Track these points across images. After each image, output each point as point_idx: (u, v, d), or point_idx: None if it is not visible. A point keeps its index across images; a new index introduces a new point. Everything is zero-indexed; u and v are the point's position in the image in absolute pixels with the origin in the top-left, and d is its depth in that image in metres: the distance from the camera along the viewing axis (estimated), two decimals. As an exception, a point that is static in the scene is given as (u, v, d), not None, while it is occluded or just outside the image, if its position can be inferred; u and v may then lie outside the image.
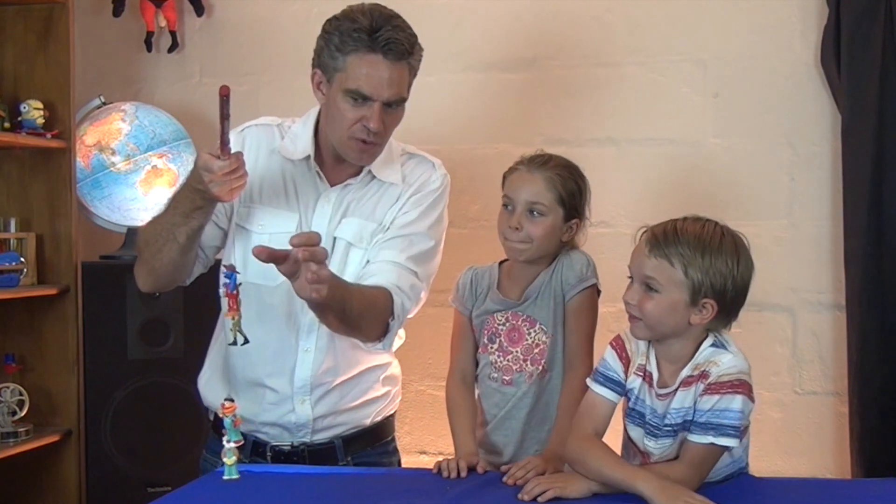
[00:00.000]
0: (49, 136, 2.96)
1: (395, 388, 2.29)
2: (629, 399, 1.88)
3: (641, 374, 1.86)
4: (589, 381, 1.91)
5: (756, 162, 3.06)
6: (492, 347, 2.13)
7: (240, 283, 1.88)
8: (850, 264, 2.91)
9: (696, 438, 1.76)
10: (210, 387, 2.21)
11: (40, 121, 2.95)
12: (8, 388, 2.91)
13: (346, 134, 2.06)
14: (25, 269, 2.93)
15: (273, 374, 2.12)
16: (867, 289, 2.87)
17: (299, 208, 2.14)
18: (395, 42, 2.01)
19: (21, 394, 2.92)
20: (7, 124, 2.90)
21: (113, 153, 3.06)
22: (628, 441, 1.92)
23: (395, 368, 2.29)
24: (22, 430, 2.89)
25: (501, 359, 2.11)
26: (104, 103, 3.21)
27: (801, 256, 3.04)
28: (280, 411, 2.13)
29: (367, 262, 2.12)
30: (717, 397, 1.75)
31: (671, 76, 3.11)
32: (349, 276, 2.08)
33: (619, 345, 1.90)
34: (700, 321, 1.80)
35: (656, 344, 1.86)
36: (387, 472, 2.16)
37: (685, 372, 1.81)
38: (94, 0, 3.44)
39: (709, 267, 1.77)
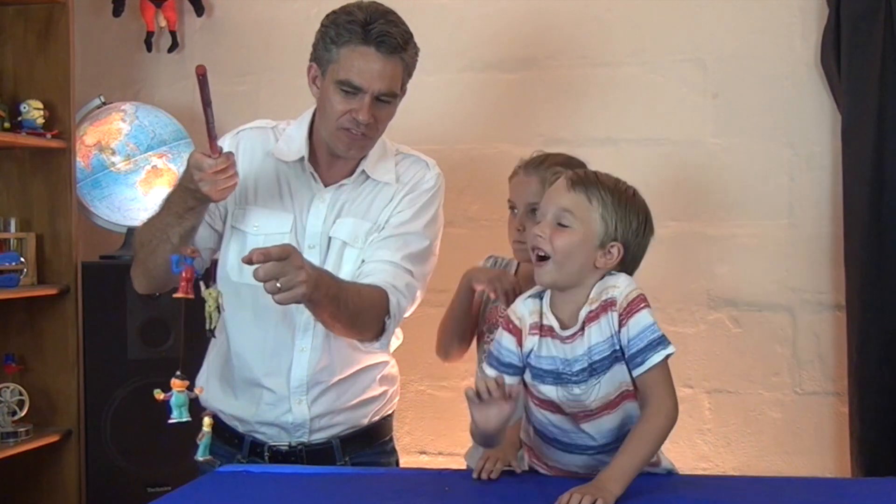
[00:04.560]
0: (49, 136, 2.96)
1: (393, 388, 2.29)
2: (531, 366, 1.82)
3: (537, 331, 1.82)
4: (484, 367, 1.87)
5: (756, 162, 3.06)
6: (489, 338, 2.14)
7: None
8: (850, 264, 2.91)
9: (651, 361, 1.73)
10: (208, 387, 2.20)
11: (40, 121, 2.95)
12: (8, 388, 2.91)
13: (335, 125, 2.07)
14: (25, 269, 2.94)
15: (270, 374, 2.13)
16: (867, 289, 2.87)
17: (294, 209, 2.14)
18: (387, 35, 2.03)
19: (21, 394, 2.92)
20: (7, 124, 2.91)
21: (113, 153, 3.06)
22: (541, 418, 1.84)
23: (392, 368, 2.29)
24: (22, 430, 2.89)
25: None
26: (104, 103, 3.22)
27: (801, 256, 3.04)
28: (277, 411, 2.13)
29: (363, 261, 2.13)
30: (638, 316, 1.74)
31: (671, 76, 3.11)
32: (345, 276, 2.08)
33: (506, 321, 1.86)
34: (604, 264, 1.78)
35: (554, 295, 1.82)
36: (386, 472, 2.16)
37: (585, 311, 1.78)
38: (94, 0, 3.44)
39: (623, 215, 1.79)
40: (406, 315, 2.16)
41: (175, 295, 1.79)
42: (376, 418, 2.23)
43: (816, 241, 3.03)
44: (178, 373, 1.83)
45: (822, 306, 3.03)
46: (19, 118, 2.93)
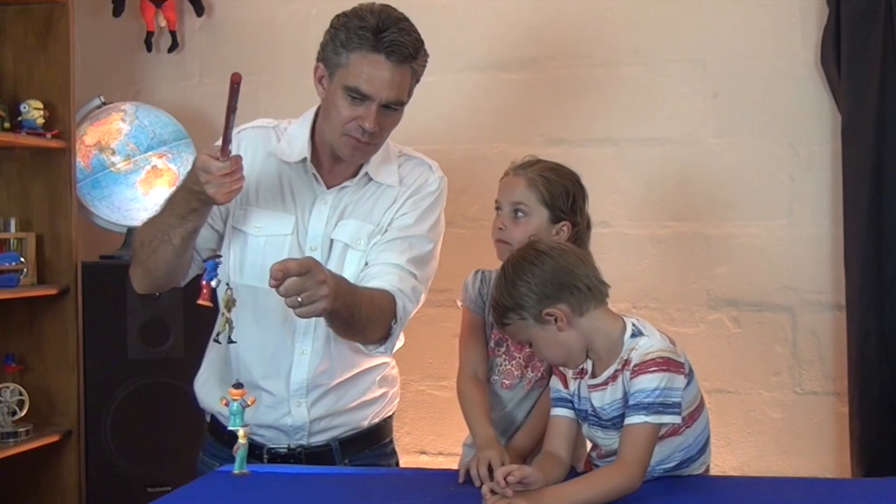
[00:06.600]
0: (49, 136, 2.96)
1: (393, 390, 2.28)
2: (575, 407, 1.91)
3: (579, 374, 1.89)
4: (553, 410, 1.94)
5: (756, 162, 3.06)
6: (499, 351, 2.13)
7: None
8: (850, 264, 2.91)
9: (630, 420, 1.77)
10: (206, 389, 2.20)
11: (40, 121, 2.95)
12: (8, 388, 2.91)
13: (340, 131, 2.05)
14: (25, 269, 2.94)
15: (269, 377, 2.12)
16: (867, 289, 2.87)
17: (296, 210, 2.13)
18: (399, 44, 2.01)
19: (21, 394, 2.92)
20: (7, 124, 2.91)
21: (113, 153, 3.06)
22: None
23: (392, 370, 2.28)
24: (22, 430, 2.89)
25: (507, 363, 2.11)
26: (104, 103, 3.22)
27: (801, 256, 3.04)
28: (276, 414, 2.12)
29: (366, 263, 2.12)
30: (642, 377, 1.77)
31: (671, 76, 3.11)
32: (347, 278, 2.07)
33: (556, 366, 1.94)
34: (561, 328, 1.82)
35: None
36: (386, 473, 2.16)
37: (613, 367, 1.83)
38: (94, 0, 3.44)
39: (513, 291, 1.83)
40: (409, 318, 2.16)
41: (198, 302, 1.85)
42: (376, 420, 2.22)
43: (816, 241, 3.03)
44: (237, 381, 1.92)
45: (822, 306, 3.03)
46: (19, 118, 2.93)
